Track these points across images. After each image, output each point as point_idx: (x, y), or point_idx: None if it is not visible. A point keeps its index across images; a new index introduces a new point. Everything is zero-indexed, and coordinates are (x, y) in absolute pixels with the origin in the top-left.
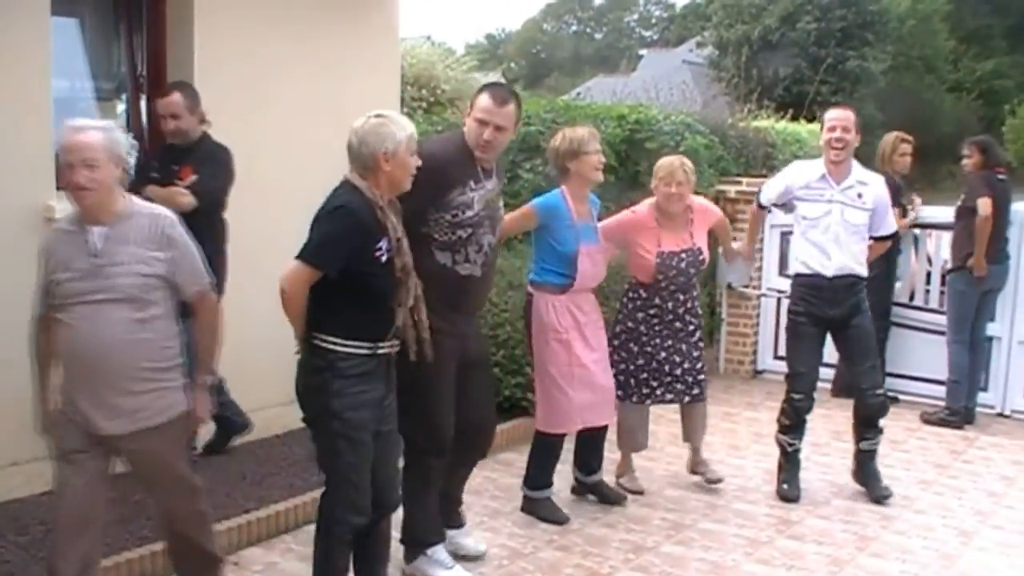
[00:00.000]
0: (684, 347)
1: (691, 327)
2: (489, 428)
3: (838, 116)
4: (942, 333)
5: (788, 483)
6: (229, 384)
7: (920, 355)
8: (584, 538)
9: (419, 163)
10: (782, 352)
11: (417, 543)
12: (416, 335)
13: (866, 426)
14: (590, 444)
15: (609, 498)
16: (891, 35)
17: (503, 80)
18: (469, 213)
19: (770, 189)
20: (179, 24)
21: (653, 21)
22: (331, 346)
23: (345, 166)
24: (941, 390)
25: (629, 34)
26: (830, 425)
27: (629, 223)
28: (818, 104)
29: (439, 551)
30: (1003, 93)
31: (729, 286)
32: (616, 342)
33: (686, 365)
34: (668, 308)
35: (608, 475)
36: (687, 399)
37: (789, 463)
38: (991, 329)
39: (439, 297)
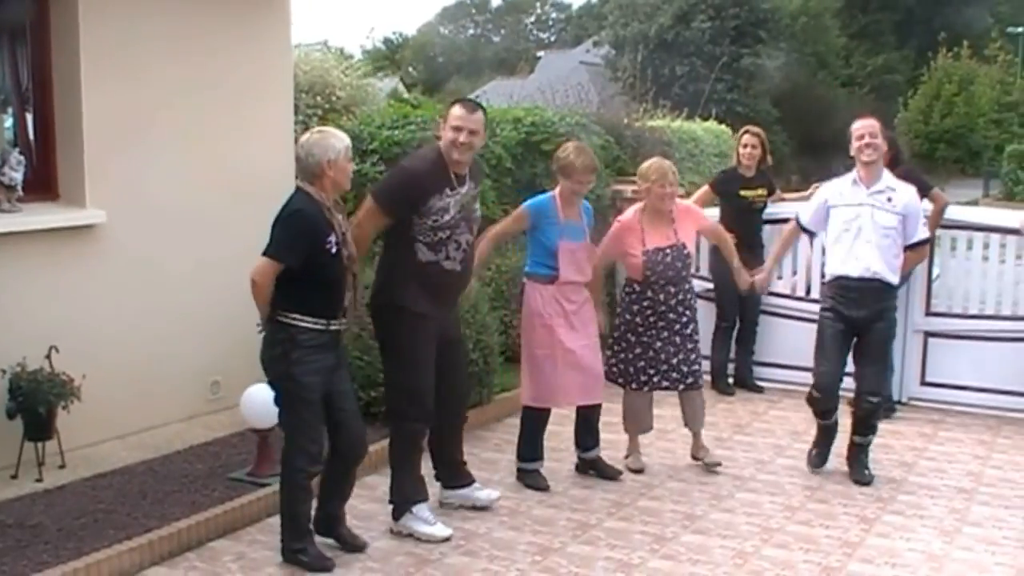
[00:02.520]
0: (678, 338)
1: (684, 319)
2: (467, 393)
3: (864, 125)
4: None
5: (816, 449)
6: (131, 402)
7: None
8: (492, 543)
9: (353, 167)
10: (706, 352)
11: (403, 502)
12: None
13: (860, 424)
14: (584, 423)
15: (606, 473)
16: (784, 32)
17: (403, 84)
18: (447, 217)
19: (808, 208)
20: (64, 36)
21: (550, 23)
22: (292, 322)
23: (235, 176)
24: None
25: (526, 36)
26: (787, 426)
27: (617, 232)
28: (714, 102)
29: (423, 509)
30: (894, 87)
31: None
32: (616, 334)
33: (680, 355)
34: (660, 300)
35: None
36: (682, 387)
37: (824, 435)
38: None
39: (425, 287)
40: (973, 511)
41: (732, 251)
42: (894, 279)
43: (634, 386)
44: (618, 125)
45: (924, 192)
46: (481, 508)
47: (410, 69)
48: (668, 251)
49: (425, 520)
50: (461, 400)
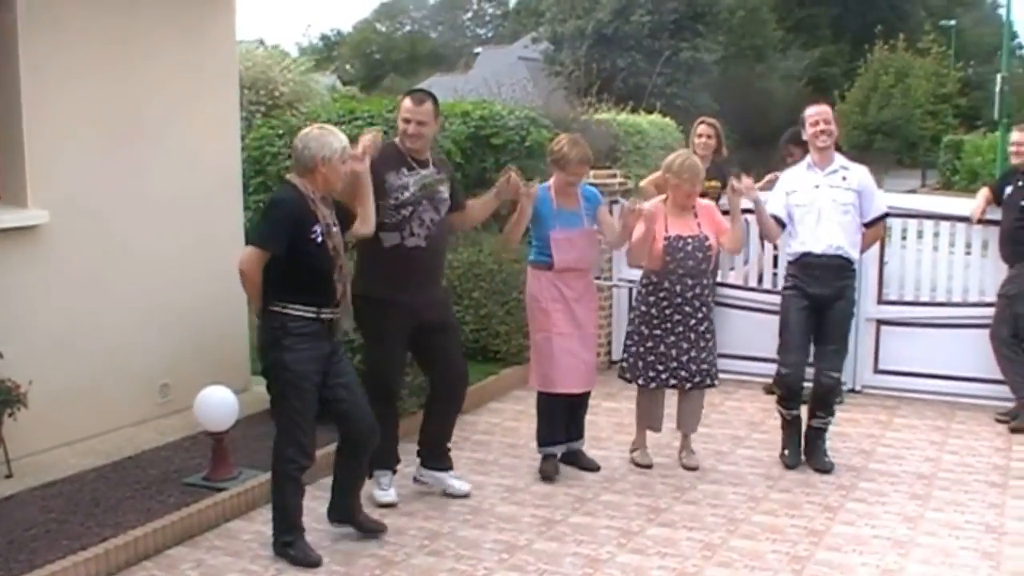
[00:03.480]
0: (692, 335)
1: (700, 315)
2: (462, 382)
3: (819, 111)
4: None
5: (788, 449)
6: (79, 407)
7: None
8: (457, 542)
9: (349, 171)
10: None
11: (372, 466)
12: (345, 305)
13: (818, 405)
14: (570, 412)
15: (585, 464)
16: (722, 26)
17: (339, 81)
18: (406, 194)
19: (774, 201)
20: (1, 37)
21: (487, 19)
22: (283, 310)
23: (180, 175)
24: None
25: (464, 32)
26: (744, 416)
27: (654, 213)
28: (654, 96)
29: (384, 476)
30: (830, 80)
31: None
32: (630, 327)
33: (692, 353)
34: (677, 292)
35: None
36: (688, 386)
37: (790, 428)
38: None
39: (388, 274)
40: (934, 496)
41: (739, 242)
42: (855, 255)
43: (641, 382)
44: (565, 119)
45: None
46: (449, 495)
47: (347, 67)
48: (689, 240)
49: (381, 486)
50: (454, 386)
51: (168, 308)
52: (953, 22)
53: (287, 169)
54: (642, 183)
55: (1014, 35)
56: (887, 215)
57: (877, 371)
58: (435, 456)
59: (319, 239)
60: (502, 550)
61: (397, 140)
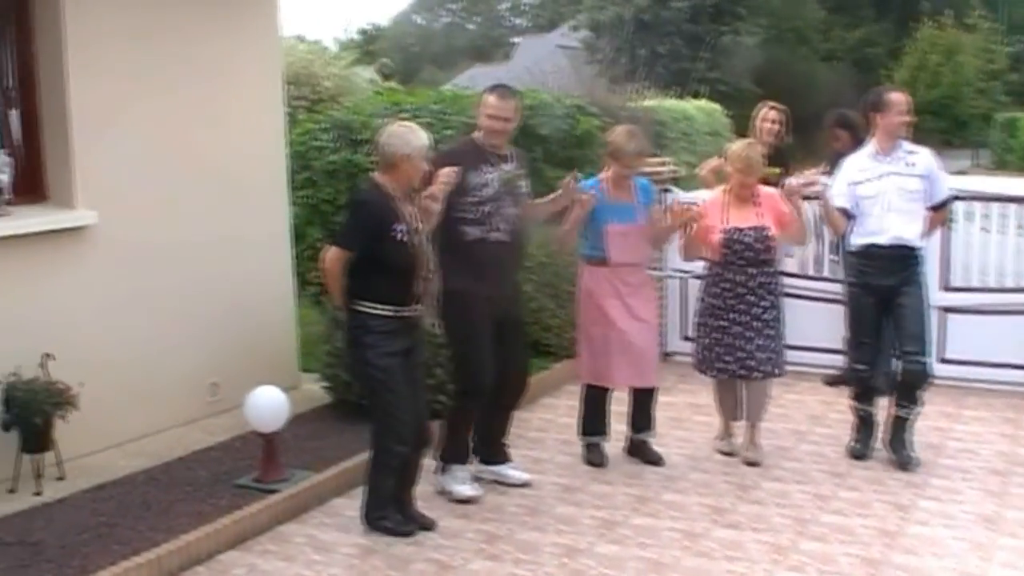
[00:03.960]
0: (757, 323)
1: (764, 303)
2: (523, 378)
3: (907, 100)
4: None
5: (859, 442)
6: (129, 408)
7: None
8: (515, 545)
9: (429, 168)
10: (691, 333)
11: (446, 461)
12: (428, 303)
13: (904, 393)
14: (636, 404)
15: (649, 457)
16: (762, 8)
17: (384, 74)
18: (488, 191)
19: (837, 191)
20: (49, 34)
21: (524, 8)
22: (364, 309)
23: (227, 171)
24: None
25: (501, 22)
26: (804, 410)
27: (703, 210)
28: (696, 81)
29: (461, 471)
30: (874, 60)
31: None
32: (698, 319)
33: (758, 341)
34: (739, 282)
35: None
36: (756, 375)
37: (863, 425)
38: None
39: (475, 267)
40: (1011, 493)
41: (804, 233)
42: (921, 243)
43: (712, 374)
44: (612, 106)
45: None
46: (512, 485)
47: (386, 60)
48: (749, 232)
49: (459, 480)
50: (517, 382)
51: (215, 306)
52: None
53: (332, 163)
54: (700, 171)
55: None
56: (955, 199)
57: (943, 360)
58: (492, 451)
59: (401, 237)
60: (562, 554)
61: (476, 135)
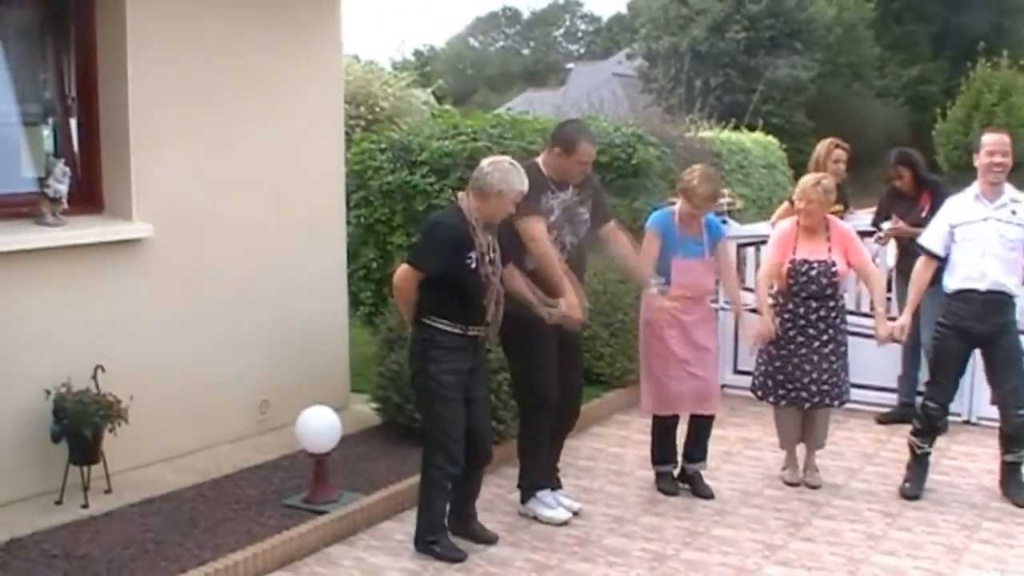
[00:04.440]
0: (816, 356)
1: (825, 336)
2: (578, 401)
3: (996, 141)
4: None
5: (910, 482)
6: (178, 423)
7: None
8: (564, 574)
9: (513, 211)
10: (743, 366)
11: (529, 487)
12: (493, 327)
13: (1010, 442)
14: (693, 433)
15: (700, 491)
16: (819, 43)
17: (437, 96)
18: (551, 218)
19: (935, 234)
20: (111, 45)
21: (579, 35)
22: (432, 324)
23: (284, 188)
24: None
25: (556, 48)
26: (856, 447)
27: (776, 240)
28: (754, 114)
29: (546, 495)
30: (929, 99)
31: None
32: (760, 347)
33: (816, 373)
34: (801, 314)
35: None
36: (808, 406)
37: (918, 464)
38: None
39: (534, 292)
40: None
41: (881, 294)
42: (1017, 291)
43: (771, 400)
44: (670, 136)
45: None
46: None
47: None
48: (816, 265)
49: (548, 504)
50: (571, 406)
51: (268, 324)
52: None
53: (389, 184)
54: (773, 222)
55: None
56: None
57: (994, 402)
58: (550, 475)
59: (473, 264)
60: None
61: (539, 161)
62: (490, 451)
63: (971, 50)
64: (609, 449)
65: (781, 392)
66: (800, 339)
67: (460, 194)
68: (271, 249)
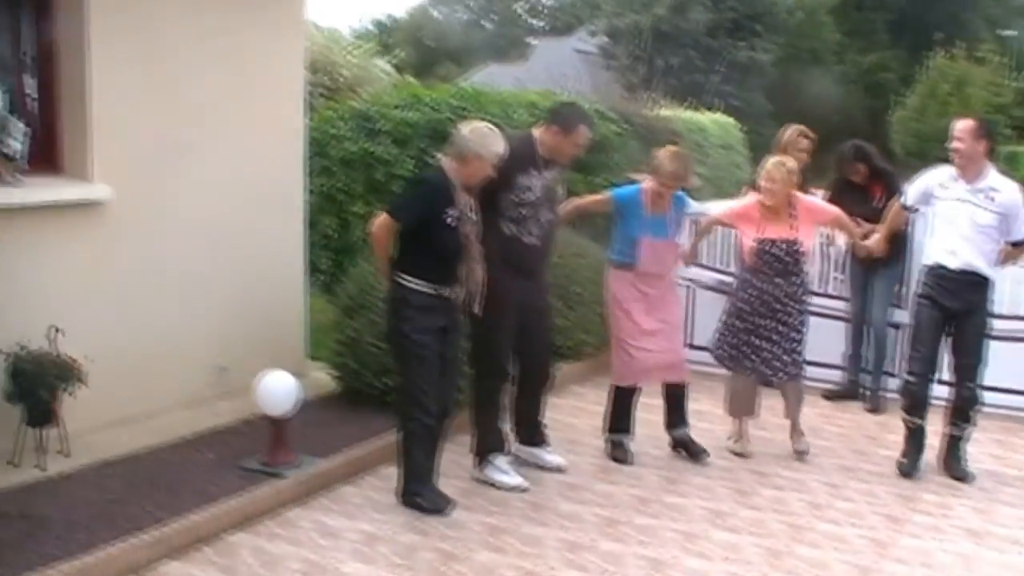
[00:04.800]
0: (782, 328)
1: (790, 310)
2: (548, 362)
3: (955, 128)
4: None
5: (907, 457)
6: (135, 386)
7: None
8: (520, 538)
9: (494, 175)
10: (697, 341)
11: (483, 453)
12: (470, 288)
13: (957, 415)
14: (669, 402)
15: (694, 450)
16: (780, 27)
17: (398, 67)
18: (530, 195)
19: (914, 191)
20: (70, 6)
21: (542, 9)
22: (405, 283)
23: (245, 154)
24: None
25: (518, 23)
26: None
27: (734, 214)
28: (710, 94)
29: (501, 460)
30: (886, 86)
31: None
32: (725, 318)
33: (781, 346)
34: (767, 291)
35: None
36: (782, 376)
37: (912, 440)
38: (899, 316)
39: (506, 260)
40: (998, 512)
41: (852, 230)
42: (990, 273)
43: (738, 370)
44: (630, 113)
45: (892, 197)
46: (546, 469)
47: (400, 53)
48: (780, 244)
49: (502, 470)
50: (542, 365)
51: (227, 290)
52: (1013, 32)
53: (350, 153)
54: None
55: None
56: None
57: (940, 382)
58: (531, 432)
59: (452, 223)
60: (565, 548)
61: (540, 134)
62: (453, 408)
63: (928, 40)
64: (564, 419)
65: (748, 363)
66: (766, 313)
67: (440, 156)
68: (231, 215)
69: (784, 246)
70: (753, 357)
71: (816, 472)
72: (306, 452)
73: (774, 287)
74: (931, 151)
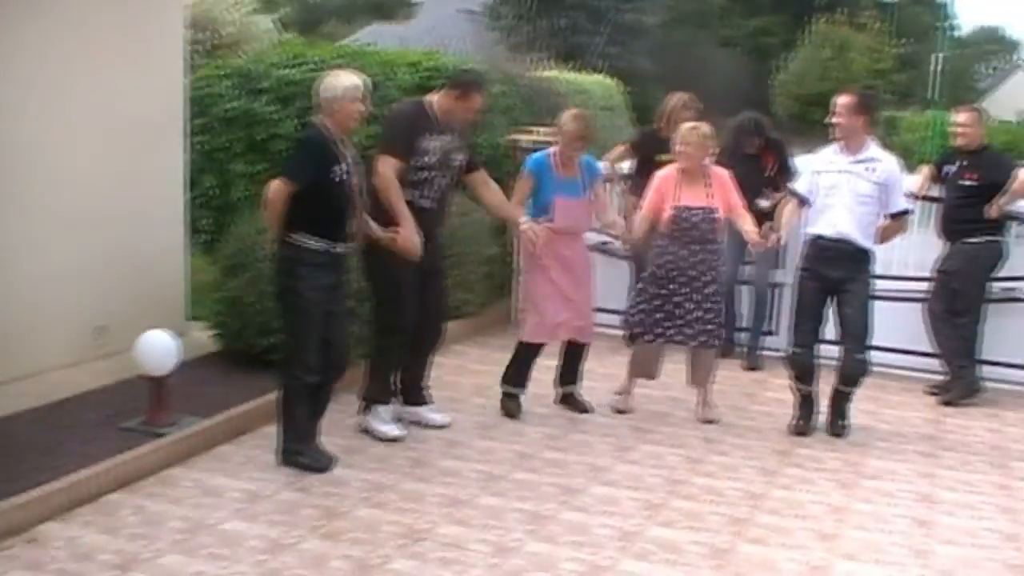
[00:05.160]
0: (698, 296)
1: (705, 278)
2: (442, 322)
3: (835, 103)
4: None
5: (800, 420)
6: (12, 346)
7: None
8: (400, 494)
9: (364, 110)
10: (621, 305)
11: (370, 401)
12: (364, 238)
13: (844, 380)
14: (568, 359)
15: (579, 407)
16: None
17: (283, 23)
18: (428, 159)
19: (803, 181)
20: None
21: None
22: (298, 242)
23: (120, 111)
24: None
25: None
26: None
27: (656, 185)
28: (599, 56)
29: (385, 410)
30: (769, 50)
31: None
32: (640, 284)
33: (697, 313)
34: (683, 257)
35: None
36: (694, 343)
37: (803, 404)
38: (778, 276)
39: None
40: (869, 464)
41: (752, 225)
42: (866, 243)
43: (648, 338)
44: (513, 75)
45: (783, 165)
46: (430, 427)
47: (286, 9)
48: (697, 212)
49: (383, 420)
50: (435, 328)
51: (105, 248)
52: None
53: (231, 111)
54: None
55: (947, 16)
56: (910, 211)
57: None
58: (414, 393)
59: (339, 178)
60: (446, 504)
61: (432, 100)
62: (344, 364)
63: (811, 5)
64: (445, 377)
65: (659, 330)
66: (682, 279)
67: (312, 117)
68: (106, 174)
69: (700, 213)
70: (667, 323)
71: (693, 428)
72: (188, 412)
73: (691, 253)
74: (811, 115)
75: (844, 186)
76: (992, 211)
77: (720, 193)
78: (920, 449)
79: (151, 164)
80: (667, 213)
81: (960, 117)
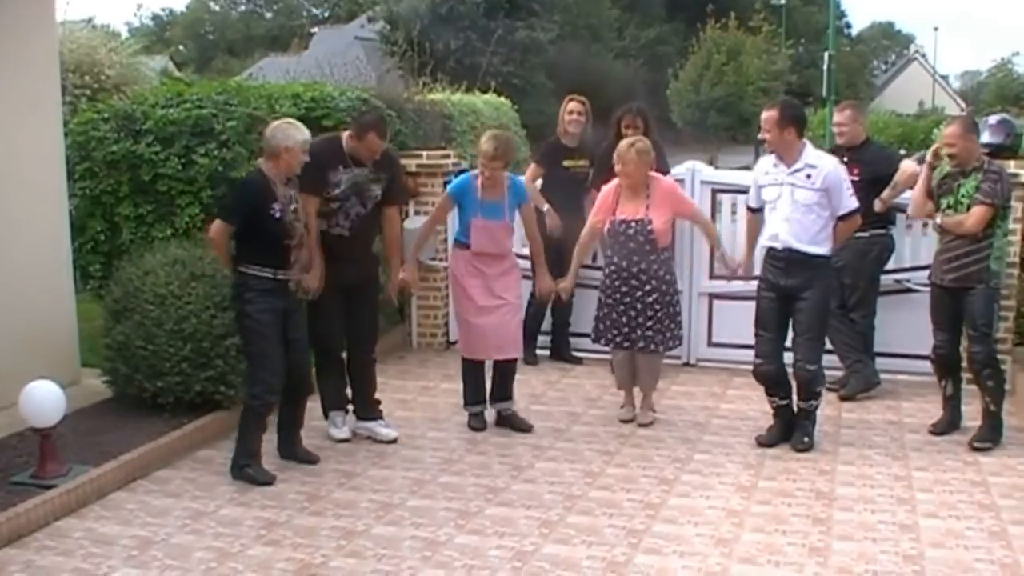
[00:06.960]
0: (639, 305)
1: (647, 287)
2: (372, 335)
3: (761, 119)
4: None
5: (773, 430)
6: None
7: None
8: (294, 530)
9: (307, 160)
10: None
11: (324, 408)
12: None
13: (800, 392)
14: (497, 377)
15: (518, 426)
16: (557, 5)
17: (173, 62)
18: (336, 191)
19: (752, 194)
20: None
21: None
22: (247, 271)
23: (6, 167)
24: None
25: (299, 12)
26: (581, 393)
27: (601, 196)
28: (490, 75)
29: (337, 417)
30: (665, 59)
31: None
32: (600, 295)
33: (639, 319)
34: (624, 268)
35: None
36: (639, 347)
37: (778, 416)
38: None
39: (324, 248)
40: (767, 465)
41: (714, 235)
42: (816, 250)
43: (602, 342)
44: (398, 100)
45: (663, 169)
46: (378, 442)
47: (180, 47)
48: (632, 224)
49: (336, 425)
50: (367, 340)
51: None
52: (783, 1)
53: (114, 154)
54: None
55: (841, 14)
56: (859, 210)
57: (711, 344)
58: (365, 407)
59: (277, 215)
60: (340, 536)
61: (345, 137)
62: (311, 384)
63: (703, 12)
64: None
65: (611, 335)
66: (624, 289)
67: (257, 161)
68: None
69: (635, 225)
70: (614, 330)
71: (592, 441)
72: (79, 461)
73: (631, 263)
74: (708, 120)
75: (786, 197)
76: (878, 205)
77: (662, 205)
78: (818, 447)
79: (33, 212)
80: (606, 226)
81: (838, 116)
